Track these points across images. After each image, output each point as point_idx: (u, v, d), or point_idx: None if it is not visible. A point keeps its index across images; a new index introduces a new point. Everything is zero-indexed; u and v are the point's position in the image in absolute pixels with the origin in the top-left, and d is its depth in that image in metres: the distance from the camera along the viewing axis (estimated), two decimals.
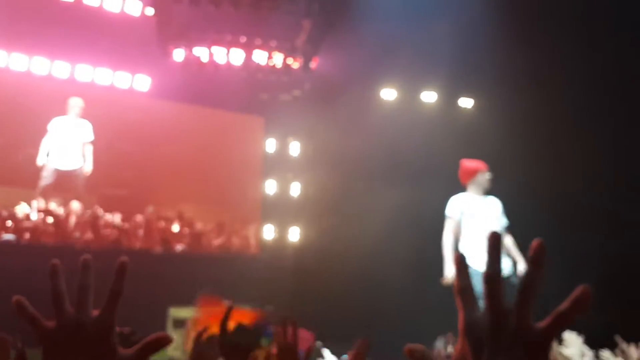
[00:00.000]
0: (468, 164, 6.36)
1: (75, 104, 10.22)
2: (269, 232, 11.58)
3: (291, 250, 11.53)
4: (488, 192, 6.41)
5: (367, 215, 10.07)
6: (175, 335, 7.15)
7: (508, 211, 6.51)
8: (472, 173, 6.21)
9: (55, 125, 10.05)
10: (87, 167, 10.12)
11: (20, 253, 9.03)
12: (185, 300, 7.79)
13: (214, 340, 2.06)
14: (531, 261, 0.75)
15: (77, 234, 9.67)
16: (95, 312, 0.83)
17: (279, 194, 11.81)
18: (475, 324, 0.73)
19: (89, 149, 10.19)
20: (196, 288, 8.77)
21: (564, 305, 0.72)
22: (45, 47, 10.44)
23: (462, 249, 5.66)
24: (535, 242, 0.75)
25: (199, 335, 2.09)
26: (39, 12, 10.08)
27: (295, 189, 11.89)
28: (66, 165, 10.02)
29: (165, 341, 0.88)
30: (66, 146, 10.02)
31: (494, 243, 0.76)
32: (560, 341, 3.57)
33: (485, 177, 6.18)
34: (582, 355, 3.44)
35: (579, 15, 9.19)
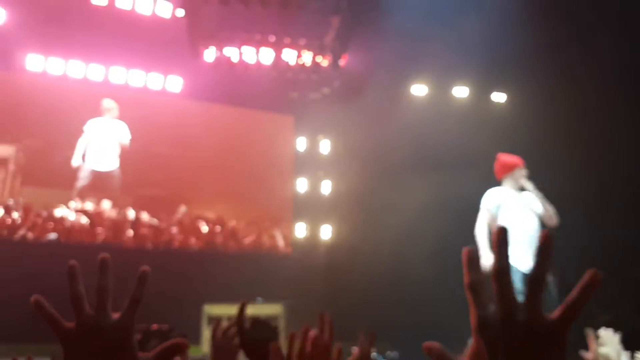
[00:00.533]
0: (506, 158, 6.28)
1: (110, 105, 10.45)
2: (300, 230, 11.65)
3: (323, 248, 11.57)
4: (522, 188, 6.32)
5: (398, 211, 10.01)
6: (208, 331, 7.26)
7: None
8: (510, 168, 6.14)
9: (91, 127, 10.30)
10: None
11: (62, 253, 9.31)
12: (219, 298, 7.89)
13: (230, 334, 2.07)
14: (539, 253, 0.73)
15: (109, 234, 9.89)
16: (115, 315, 0.83)
17: (310, 192, 11.87)
18: (488, 320, 0.72)
19: (126, 149, 10.41)
20: (229, 285, 8.91)
21: (574, 293, 0.70)
22: (80, 51, 10.71)
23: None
24: (542, 233, 0.73)
25: (214, 332, 2.11)
26: (73, 16, 10.32)
27: (326, 187, 11.92)
28: (102, 166, 10.26)
29: (182, 347, 0.87)
30: (102, 147, 10.27)
31: (501, 238, 0.74)
32: (597, 339, 3.48)
33: (522, 172, 6.10)
34: (619, 354, 3.34)
35: (615, 9, 8.95)
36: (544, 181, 7.01)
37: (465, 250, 0.77)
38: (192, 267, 9.88)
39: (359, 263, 11.15)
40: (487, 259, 5.45)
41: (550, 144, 9.51)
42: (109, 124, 10.42)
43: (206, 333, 7.27)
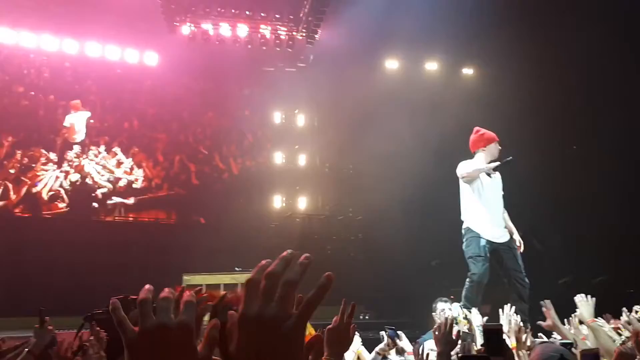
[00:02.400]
0: (484, 132, 6.19)
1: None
2: (277, 201, 11.93)
3: (299, 219, 11.88)
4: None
5: (371, 182, 10.34)
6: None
7: (508, 178, 6.63)
8: (487, 141, 6.06)
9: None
10: None
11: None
12: (198, 268, 8.18)
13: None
14: (317, 288, 0.79)
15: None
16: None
17: (286, 165, 12.11)
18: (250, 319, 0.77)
19: None
20: (208, 256, 9.19)
21: (311, 293, 0.78)
22: (53, 24, 10.67)
23: (465, 216, 5.80)
24: (325, 277, 0.79)
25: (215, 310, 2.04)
26: None
27: (302, 159, 12.18)
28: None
29: (216, 329, 0.87)
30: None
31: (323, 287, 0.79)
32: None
33: (497, 147, 6.04)
34: (591, 315, 3.64)
35: None
36: (509, 153, 7.32)
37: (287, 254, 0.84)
38: (172, 239, 10.14)
39: (334, 232, 11.53)
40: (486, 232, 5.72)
41: (517, 115, 9.87)
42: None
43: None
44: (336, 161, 11.40)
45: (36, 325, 2.72)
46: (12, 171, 9.99)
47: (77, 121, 10.74)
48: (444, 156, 9.99)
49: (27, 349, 2.62)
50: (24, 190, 10.03)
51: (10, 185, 9.90)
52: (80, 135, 10.72)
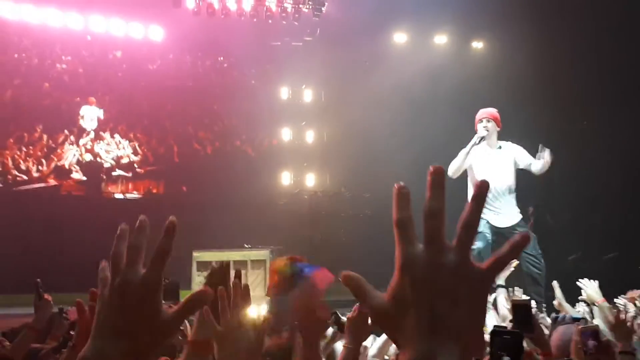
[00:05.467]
0: (492, 111, 6.01)
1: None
2: (285, 178, 11.90)
3: (307, 195, 11.86)
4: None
5: (380, 157, 10.26)
6: (198, 277, 7.60)
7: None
8: (475, 124, 5.97)
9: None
10: None
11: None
12: (208, 245, 8.19)
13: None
14: (473, 199, 0.71)
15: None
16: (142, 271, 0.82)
17: (294, 141, 12.04)
18: (415, 260, 0.70)
19: None
20: (218, 233, 9.22)
21: (504, 249, 0.71)
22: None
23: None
24: (478, 183, 0.72)
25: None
26: None
27: (310, 136, 12.09)
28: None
29: (206, 297, 0.85)
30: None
31: (437, 178, 0.71)
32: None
33: (483, 126, 5.83)
34: (599, 294, 3.72)
35: None
36: (517, 126, 7.22)
37: (396, 186, 0.73)
38: (182, 215, 10.14)
39: (342, 209, 11.51)
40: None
41: (527, 90, 9.73)
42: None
43: (197, 278, 7.58)
44: (344, 137, 11.30)
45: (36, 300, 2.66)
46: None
47: (90, 113, 11.71)
48: (454, 130, 9.89)
49: (27, 327, 2.56)
50: (52, 164, 11.48)
51: (44, 161, 11.45)
52: (92, 124, 11.78)
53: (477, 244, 5.35)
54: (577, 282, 3.71)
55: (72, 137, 11.69)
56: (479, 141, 5.79)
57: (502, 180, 5.81)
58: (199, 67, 12.06)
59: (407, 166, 9.96)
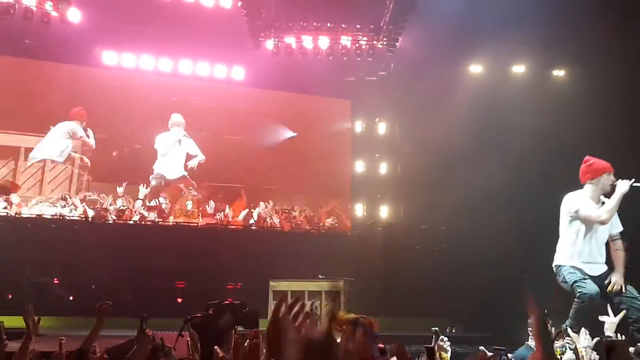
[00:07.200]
0: (593, 162, 5.76)
1: (178, 119, 11.44)
2: (358, 210, 12.03)
3: (381, 227, 11.90)
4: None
5: (454, 191, 10.14)
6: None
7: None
8: (595, 172, 5.68)
9: (159, 142, 11.54)
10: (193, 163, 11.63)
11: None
12: (281, 274, 8.40)
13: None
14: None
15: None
16: None
17: (367, 173, 12.19)
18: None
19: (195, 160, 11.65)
20: (293, 263, 9.45)
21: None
22: (150, 45, 11.46)
23: (563, 249, 5.43)
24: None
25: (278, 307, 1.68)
26: (141, 12, 10.95)
27: (383, 168, 12.21)
28: (171, 175, 11.50)
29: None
30: (170, 159, 11.52)
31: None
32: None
33: (609, 178, 5.61)
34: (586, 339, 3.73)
35: None
36: (603, 158, 6.92)
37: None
38: (260, 246, 10.49)
39: (416, 241, 11.43)
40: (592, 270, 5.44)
41: (610, 120, 9.34)
42: (176, 138, 11.63)
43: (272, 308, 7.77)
44: (418, 169, 11.30)
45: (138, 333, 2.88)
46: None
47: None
48: (533, 164, 9.65)
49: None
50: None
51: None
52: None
53: (588, 289, 5.12)
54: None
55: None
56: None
57: (602, 233, 5.57)
58: (276, 104, 12.51)
59: (485, 198, 9.80)
